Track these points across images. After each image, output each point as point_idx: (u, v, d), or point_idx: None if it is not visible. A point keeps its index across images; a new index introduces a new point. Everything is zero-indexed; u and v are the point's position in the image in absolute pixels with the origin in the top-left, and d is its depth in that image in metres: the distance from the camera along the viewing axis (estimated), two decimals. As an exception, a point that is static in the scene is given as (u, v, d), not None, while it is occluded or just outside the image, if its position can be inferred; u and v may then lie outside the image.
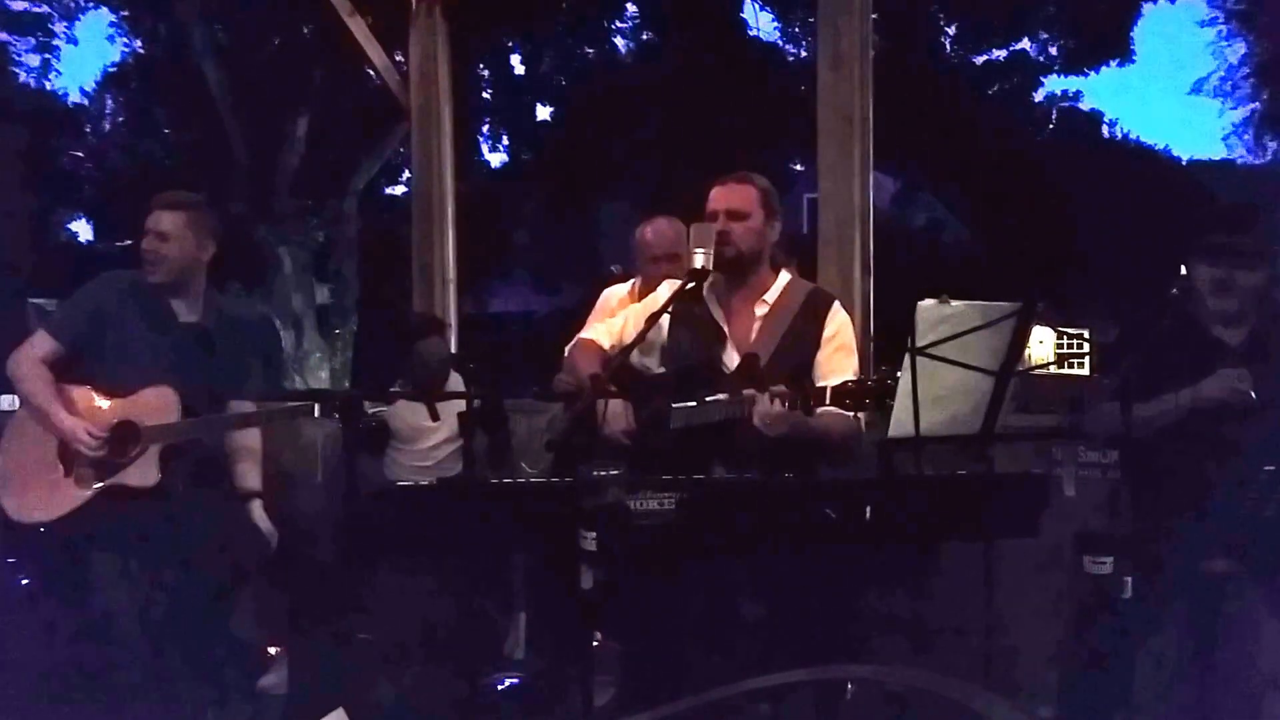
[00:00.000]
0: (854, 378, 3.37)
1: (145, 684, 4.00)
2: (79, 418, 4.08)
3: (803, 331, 3.75)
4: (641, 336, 3.64)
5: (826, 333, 3.76)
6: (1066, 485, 3.97)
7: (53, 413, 4.07)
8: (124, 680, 4.00)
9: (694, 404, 3.56)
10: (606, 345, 3.96)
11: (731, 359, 3.74)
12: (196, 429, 4.15)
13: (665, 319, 3.74)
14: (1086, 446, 4.16)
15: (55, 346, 4.16)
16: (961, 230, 24.33)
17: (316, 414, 4.62)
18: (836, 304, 3.86)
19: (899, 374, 3.32)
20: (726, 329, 3.80)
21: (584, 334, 4.14)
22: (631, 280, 4.90)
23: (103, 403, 4.12)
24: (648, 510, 3.22)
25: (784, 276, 3.87)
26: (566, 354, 4.19)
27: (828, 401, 3.32)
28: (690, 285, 3.63)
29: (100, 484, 4.07)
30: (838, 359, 3.71)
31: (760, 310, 3.80)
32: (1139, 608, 3.36)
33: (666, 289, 3.92)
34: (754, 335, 3.77)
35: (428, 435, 5.56)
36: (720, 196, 3.80)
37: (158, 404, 4.10)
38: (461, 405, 5.24)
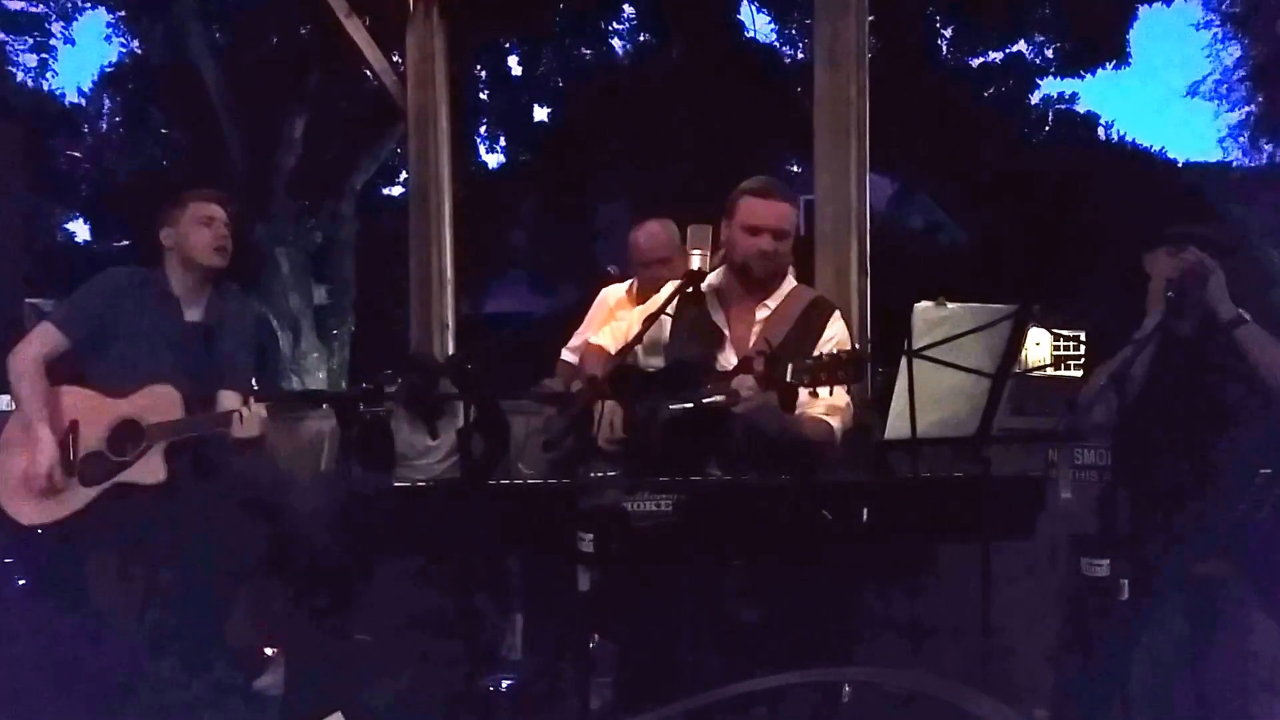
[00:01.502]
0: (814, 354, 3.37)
1: (143, 683, 4.01)
2: (80, 416, 4.09)
3: (800, 338, 3.75)
4: (639, 337, 3.66)
5: (823, 339, 3.76)
6: (1063, 487, 3.99)
7: (36, 424, 4.06)
8: (122, 679, 4.00)
9: (690, 405, 3.57)
10: (613, 349, 3.97)
11: (729, 360, 3.75)
12: (201, 426, 4.15)
13: (668, 321, 3.76)
14: (1082, 448, 4.18)
15: (61, 340, 4.16)
16: (958, 232, 24.32)
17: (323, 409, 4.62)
18: (837, 314, 3.88)
19: (857, 347, 3.33)
20: (727, 332, 3.81)
21: (593, 338, 4.16)
22: (629, 281, 4.90)
23: (105, 402, 4.12)
24: (645, 511, 3.23)
25: (789, 282, 3.89)
26: (575, 360, 4.18)
27: (789, 376, 3.31)
28: (689, 288, 3.64)
29: (106, 483, 4.07)
30: None
31: (761, 314, 3.81)
32: (1135, 609, 3.37)
33: (669, 290, 3.93)
34: (753, 339, 3.77)
35: (429, 453, 5.58)
36: (767, 214, 3.77)
37: (161, 402, 4.10)
38: (461, 422, 5.27)
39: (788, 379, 3.33)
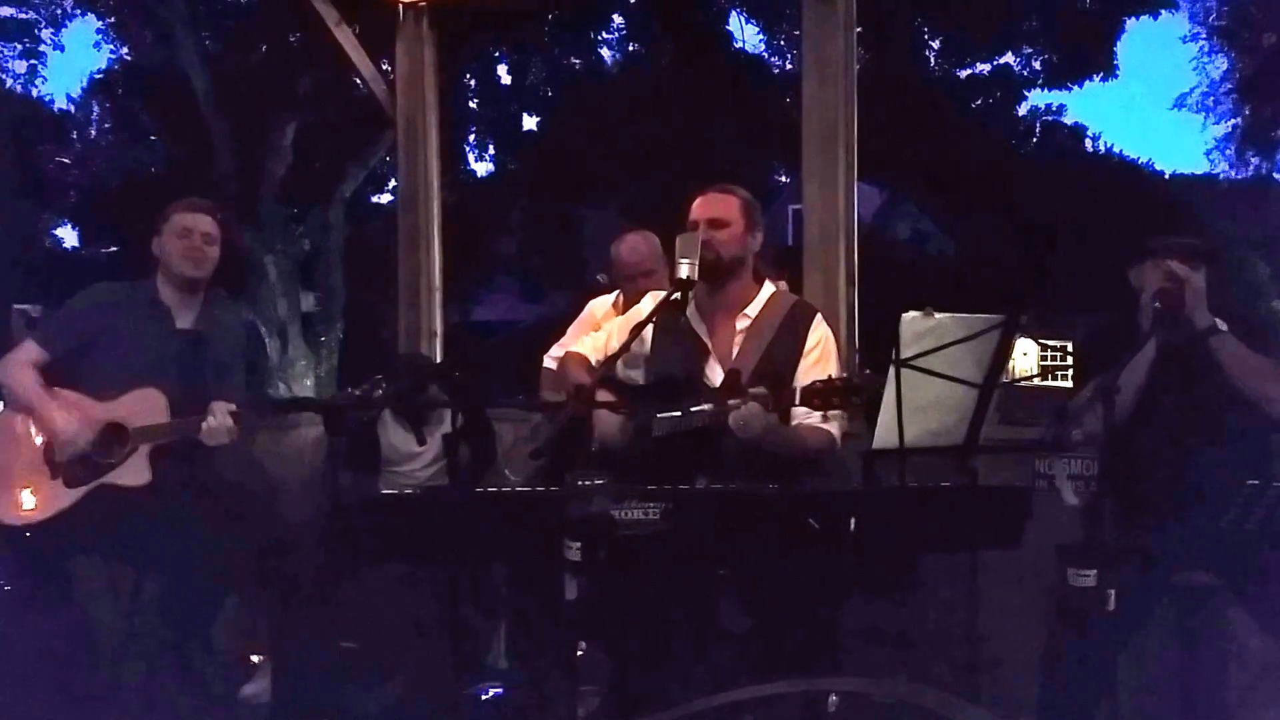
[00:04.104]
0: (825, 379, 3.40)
1: (128, 689, 4.00)
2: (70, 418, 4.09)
3: (784, 344, 3.76)
4: (626, 346, 3.66)
5: (807, 345, 3.77)
6: (1065, 494, 3.99)
7: (41, 409, 4.08)
8: (107, 685, 4.00)
9: (678, 413, 3.58)
10: (593, 359, 3.97)
11: (714, 371, 3.75)
12: (185, 429, 4.16)
13: (648, 330, 3.76)
14: (1070, 459, 4.18)
15: (43, 355, 4.18)
16: (946, 242, 24.38)
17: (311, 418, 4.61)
18: (819, 317, 3.88)
19: (868, 372, 3.34)
20: (709, 342, 3.81)
21: (571, 348, 4.15)
22: (616, 292, 4.90)
23: (91, 405, 4.12)
24: (632, 520, 3.22)
25: (767, 288, 3.89)
26: (555, 367, 4.19)
27: (797, 401, 3.34)
28: (676, 295, 3.64)
29: (90, 484, 4.07)
30: (817, 371, 3.71)
31: (742, 323, 3.81)
32: (1122, 620, 3.38)
33: (650, 301, 3.93)
34: (736, 348, 3.78)
35: (415, 458, 5.57)
36: (701, 206, 3.82)
37: (146, 405, 4.11)
38: (448, 427, 5.27)
39: (795, 403, 3.38)
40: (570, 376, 3.92)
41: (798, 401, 3.36)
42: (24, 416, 4.15)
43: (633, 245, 4.82)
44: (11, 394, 4.18)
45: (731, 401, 3.45)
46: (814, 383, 3.36)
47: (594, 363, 3.95)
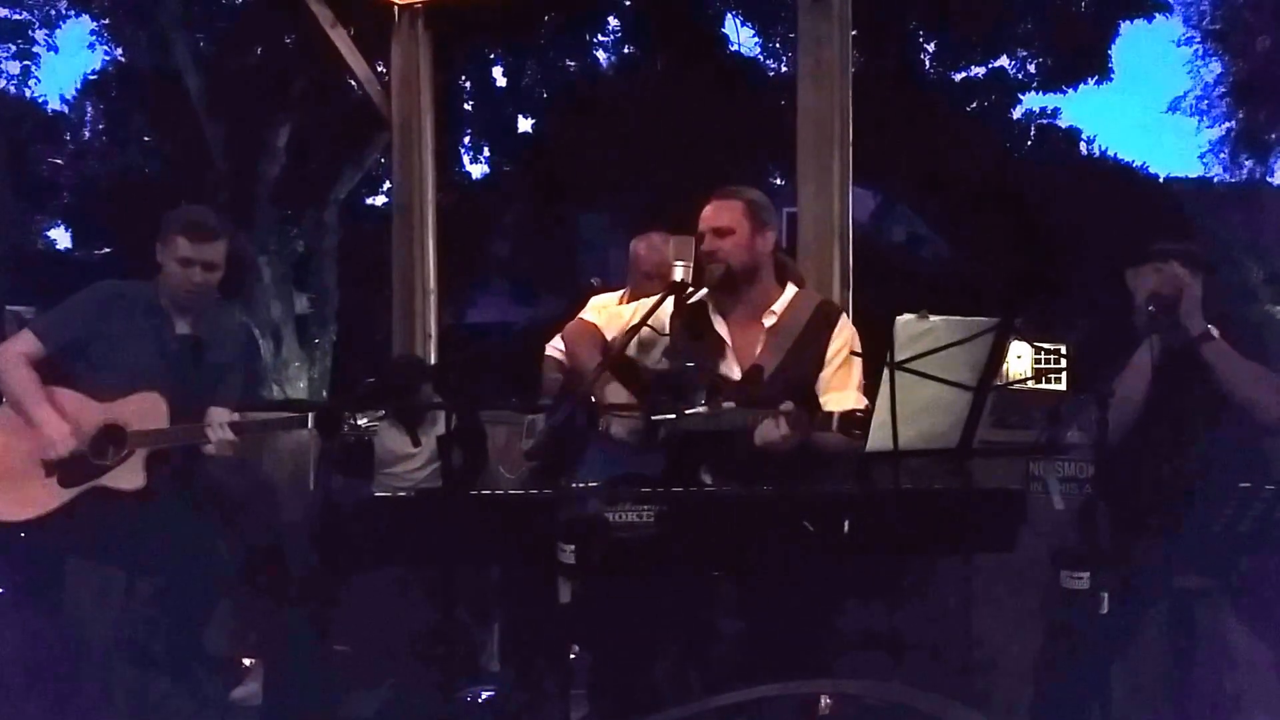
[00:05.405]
0: (860, 406, 3.45)
1: (120, 692, 4.00)
2: (65, 419, 4.07)
3: (809, 346, 3.77)
4: (624, 346, 3.67)
5: (832, 349, 3.78)
6: (1054, 498, 3.99)
7: (35, 408, 4.05)
8: (99, 688, 3.99)
9: (704, 409, 3.58)
10: (608, 335, 3.96)
11: (732, 370, 3.75)
12: (185, 436, 4.14)
13: (666, 325, 3.78)
14: (1064, 461, 4.19)
15: (39, 348, 4.16)
16: (940, 245, 24.39)
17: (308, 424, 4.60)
18: (844, 318, 3.89)
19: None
20: (729, 342, 3.81)
21: (584, 315, 4.15)
22: (621, 291, 4.89)
23: (90, 405, 4.11)
24: (626, 522, 3.22)
25: (791, 289, 3.88)
26: (565, 338, 4.18)
27: (834, 428, 3.36)
28: (669, 298, 3.64)
29: (85, 485, 4.06)
30: (840, 376, 3.75)
31: (768, 321, 3.81)
32: (1116, 623, 3.38)
33: (650, 303, 3.93)
34: (759, 348, 3.78)
35: (409, 460, 5.57)
36: (706, 215, 3.82)
37: (145, 409, 4.10)
38: (442, 428, 5.26)
39: (833, 429, 3.43)
40: (581, 351, 3.93)
41: (835, 428, 3.40)
42: (17, 411, 4.13)
43: (652, 245, 4.81)
44: (5, 387, 4.16)
45: (761, 412, 3.45)
46: (853, 412, 3.42)
47: (608, 339, 3.95)
